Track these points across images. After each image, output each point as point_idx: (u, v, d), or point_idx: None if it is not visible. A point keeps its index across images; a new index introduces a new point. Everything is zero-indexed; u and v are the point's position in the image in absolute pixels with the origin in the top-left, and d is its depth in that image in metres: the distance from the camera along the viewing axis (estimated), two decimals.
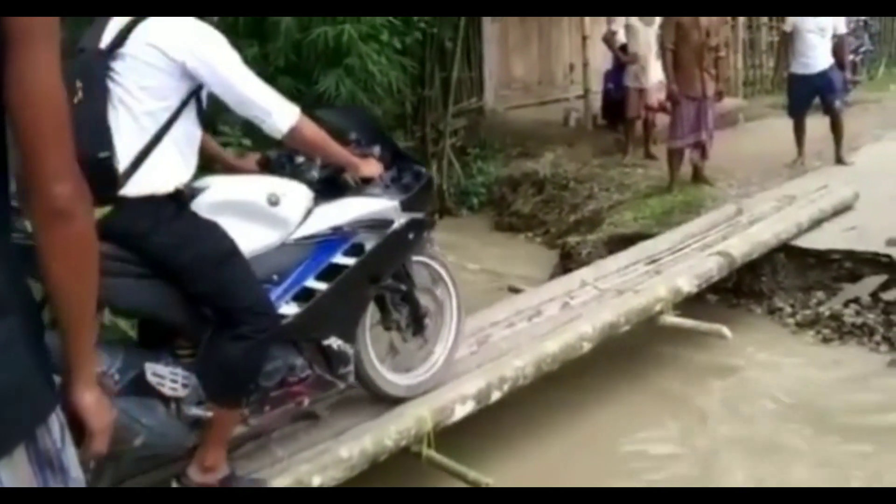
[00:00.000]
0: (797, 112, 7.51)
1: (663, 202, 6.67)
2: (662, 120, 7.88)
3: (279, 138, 2.54)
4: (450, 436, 3.31)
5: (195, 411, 2.48)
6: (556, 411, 3.97)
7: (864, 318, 4.75)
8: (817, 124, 7.50)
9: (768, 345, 4.76)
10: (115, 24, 2.39)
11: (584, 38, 9.87)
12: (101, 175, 2.21)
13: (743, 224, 5.50)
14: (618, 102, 8.73)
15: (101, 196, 2.14)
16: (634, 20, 8.02)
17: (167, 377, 2.44)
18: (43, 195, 1.22)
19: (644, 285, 4.48)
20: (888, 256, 4.95)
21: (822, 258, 5.23)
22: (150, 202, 2.39)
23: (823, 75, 7.23)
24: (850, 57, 10.43)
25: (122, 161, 2.33)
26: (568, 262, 6.10)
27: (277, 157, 2.93)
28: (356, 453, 2.93)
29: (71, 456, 1.37)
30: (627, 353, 4.48)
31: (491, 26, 10.17)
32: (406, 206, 2.99)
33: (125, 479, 2.62)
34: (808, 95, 7.39)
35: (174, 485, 2.57)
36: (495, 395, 3.45)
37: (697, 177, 7.18)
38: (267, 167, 2.91)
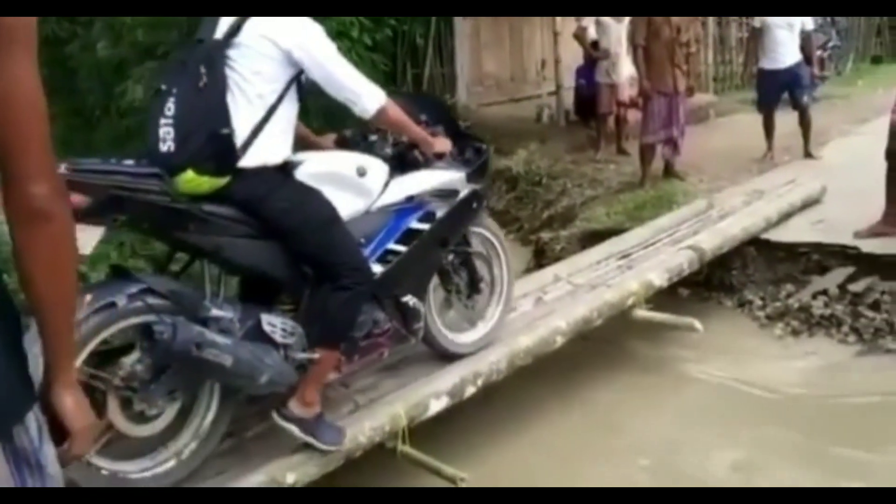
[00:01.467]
0: (766, 107, 7.61)
1: (635, 197, 6.72)
2: (635, 116, 7.95)
3: (368, 118, 2.87)
4: (426, 431, 3.32)
5: (300, 356, 2.83)
6: (531, 405, 4.00)
7: (832, 309, 4.82)
8: (786, 119, 7.60)
9: (739, 337, 4.82)
10: (228, 18, 2.73)
11: (556, 35, 9.93)
12: (223, 149, 2.61)
13: (713, 218, 5.56)
14: (590, 98, 8.78)
15: (223, 167, 2.61)
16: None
17: (279, 326, 2.78)
18: (21, 195, 1.23)
19: (616, 280, 4.52)
20: (855, 249, 5.03)
21: (791, 251, 5.30)
22: (264, 172, 2.72)
23: (792, 71, 7.32)
24: (818, 53, 10.59)
25: (240, 137, 2.65)
26: (541, 258, 6.14)
27: (352, 135, 3.27)
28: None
29: (49, 454, 1.37)
30: (602, 346, 4.52)
31: (463, 23, 10.18)
32: (470, 179, 3.37)
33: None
34: (776, 91, 7.48)
35: (274, 416, 2.85)
36: (469, 391, 3.45)
37: (669, 172, 7.25)
38: (343, 144, 3.23)
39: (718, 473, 3.50)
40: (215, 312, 2.64)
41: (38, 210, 1.24)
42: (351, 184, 2.98)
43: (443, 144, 3.21)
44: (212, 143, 2.58)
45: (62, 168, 2.28)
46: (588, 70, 8.85)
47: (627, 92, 8.15)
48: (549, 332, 3.86)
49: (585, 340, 4.21)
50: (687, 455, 3.67)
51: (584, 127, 9.22)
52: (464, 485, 3.10)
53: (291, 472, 2.81)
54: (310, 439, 2.83)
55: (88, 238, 2.37)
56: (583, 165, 7.96)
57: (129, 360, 2.52)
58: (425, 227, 3.21)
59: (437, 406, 3.32)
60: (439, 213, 3.26)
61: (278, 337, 2.77)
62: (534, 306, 4.33)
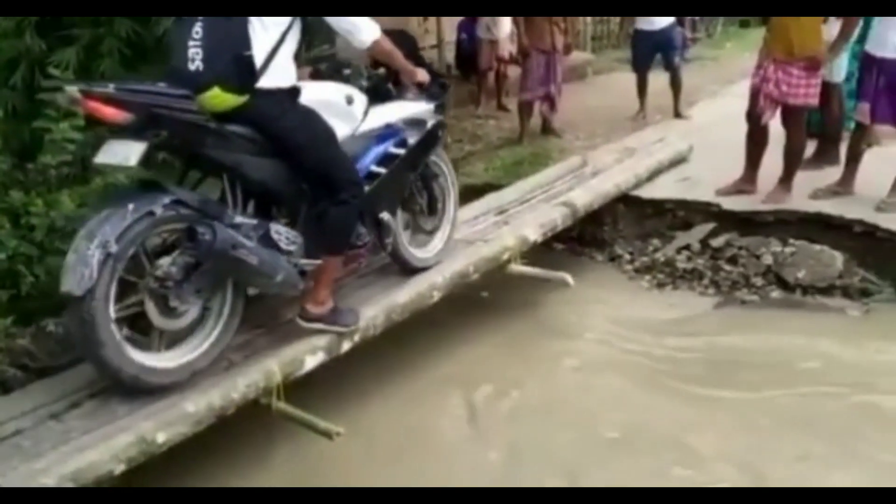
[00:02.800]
0: (640, 67, 7.84)
1: (514, 153, 6.83)
2: (515, 72, 8.02)
3: (364, 48, 3.28)
4: (303, 387, 3.32)
5: (302, 262, 3.26)
6: (409, 359, 4.05)
7: (694, 263, 5.09)
8: (659, 79, 7.86)
9: (609, 289, 5.02)
10: None
11: None
12: (245, 69, 2.94)
13: (587, 175, 5.71)
14: (471, 54, 8.80)
15: (244, 86, 2.94)
16: None
17: (283, 235, 3.18)
18: None
19: (493, 235, 4.59)
20: (716, 206, 5.30)
21: (658, 208, 5.53)
22: (277, 93, 3.05)
23: (665, 33, 7.56)
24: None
25: (257, 60, 2.96)
26: None
27: (326, 69, 3.60)
28: (202, 407, 2.89)
29: None
30: (477, 300, 4.62)
31: None
32: (436, 110, 3.86)
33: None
34: (650, 51, 7.71)
35: (298, 319, 3.34)
36: (346, 346, 3.47)
37: (546, 129, 7.39)
38: (317, 77, 3.56)
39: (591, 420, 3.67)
40: (238, 220, 3.04)
41: None
42: (340, 111, 3.38)
43: (423, 75, 3.67)
44: (236, 63, 2.92)
45: (110, 87, 2.70)
46: (469, 25, 8.86)
47: (508, 48, 8.21)
48: (425, 287, 3.90)
49: (462, 295, 4.28)
50: (555, 402, 3.82)
51: (464, 82, 9.24)
52: (339, 439, 3.13)
53: (162, 432, 2.76)
54: (334, 328, 3.36)
55: (132, 151, 2.71)
56: (463, 121, 8.00)
57: (165, 262, 2.87)
58: (400, 151, 3.66)
59: (312, 362, 3.32)
60: (411, 140, 3.71)
61: (283, 245, 3.17)
62: None
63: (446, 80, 4.06)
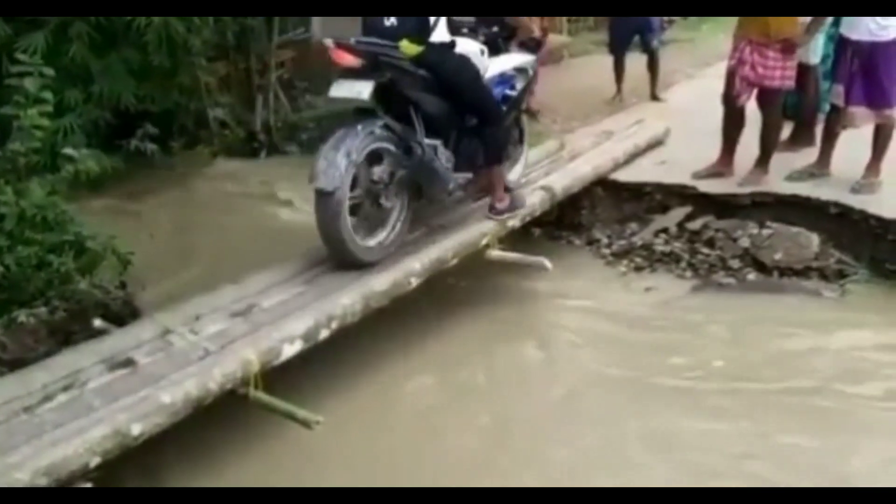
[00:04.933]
0: (617, 50, 7.81)
1: None
2: None
3: None
4: (283, 376, 3.29)
5: (457, 175, 4.23)
6: (389, 346, 4.03)
7: (671, 246, 5.10)
8: (635, 62, 7.84)
9: (587, 274, 5.01)
10: None
11: None
12: (424, 27, 3.90)
13: (564, 159, 5.69)
14: None
15: (422, 40, 3.85)
16: None
17: (443, 154, 4.12)
18: None
19: (470, 220, 4.55)
20: (693, 189, 5.30)
21: (636, 191, 5.53)
22: (441, 46, 3.98)
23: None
24: None
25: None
26: None
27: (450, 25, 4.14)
28: (179, 398, 2.85)
29: None
30: (459, 286, 4.60)
31: None
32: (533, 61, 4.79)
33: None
34: (627, 34, 7.68)
35: (490, 216, 4.44)
36: (323, 334, 3.44)
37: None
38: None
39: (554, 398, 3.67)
40: (427, 142, 3.97)
41: None
42: (477, 60, 4.19)
43: (537, 31, 4.83)
44: (419, 23, 3.87)
45: (352, 40, 3.82)
46: None
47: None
48: (403, 273, 3.87)
49: (441, 280, 4.26)
50: (538, 385, 3.82)
51: None
52: (318, 428, 3.10)
53: (137, 424, 2.72)
54: (517, 212, 4.49)
55: (364, 88, 3.75)
56: None
57: (378, 169, 3.91)
58: (513, 93, 4.58)
59: (290, 351, 3.28)
60: (518, 86, 4.63)
61: (444, 161, 4.10)
62: None
63: (537, 36, 4.87)
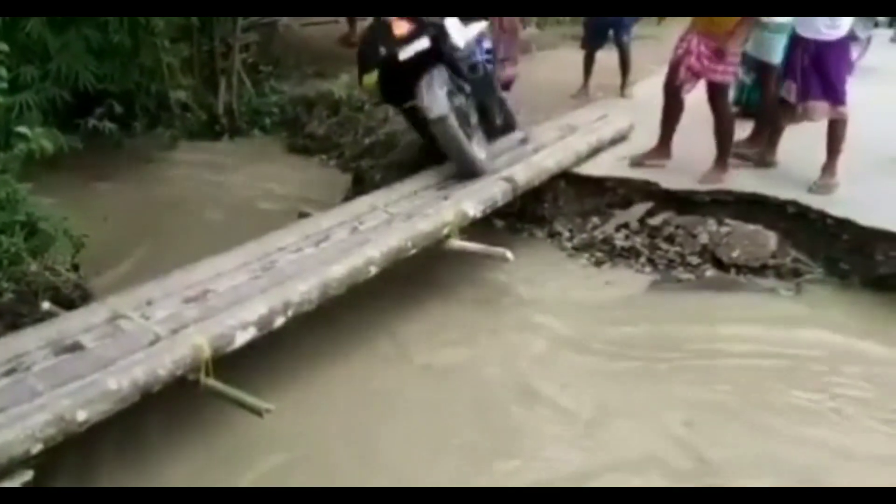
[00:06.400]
0: (591, 45, 7.80)
1: None
2: None
3: None
4: (237, 363, 3.24)
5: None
6: (344, 336, 4.00)
7: (632, 241, 5.11)
8: (603, 58, 7.84)
9: (547, 266, 5.01)
10: None
11: None
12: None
13: (528, 152, 5.67)
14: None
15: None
16: None
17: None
18: None
19: (432, 210, 4.54)
20: (655, 185, 5.32)
21: (599, 185, 5.52)
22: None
23: None
24: None
25: None
26: (360, 187, 6.06)
27: None
28: (126, 384, 2.80)
29: None
30: (416, 276, 4.57)
31: None
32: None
33: None
34: (602, 29, 7.68)
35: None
36: (279, 321, 3.40)
37: None
38: None
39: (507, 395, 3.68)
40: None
41: None
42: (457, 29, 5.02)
43: None
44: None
45: (406, 18, 4.78)
46: None
47: None
48: (362, 261, 3.84)
49: (400, 269, 4.23)
50: (489, 379, 3.82)
51: None
52: (268, 416, 3.06)
53: (82, 410, 2.66)
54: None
55: (423, 41, 4.76)
56: None
57: (457, 99, 4.91)
58: (489, 57, 5.46)
59: (243, 337, 3.24)
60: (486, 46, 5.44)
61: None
62: (349, 235, 4.28)
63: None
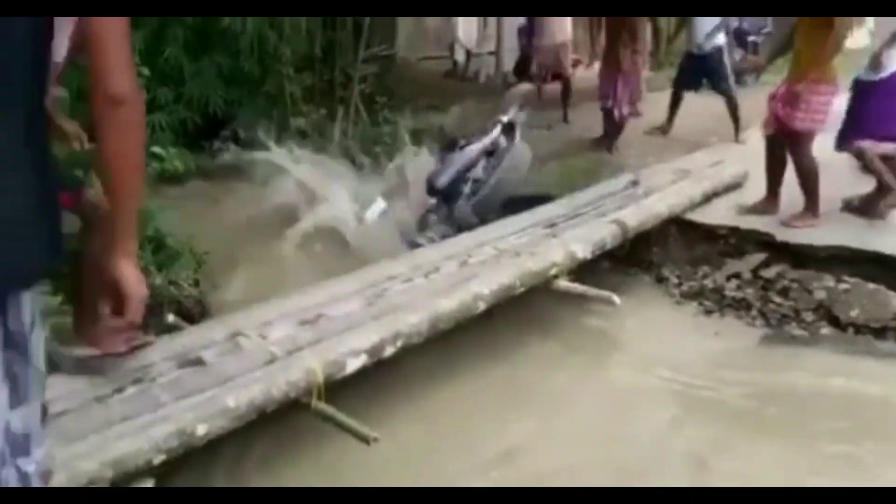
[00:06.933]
0: (677, 87, 7.83)
1: (565, 165, 6.77)
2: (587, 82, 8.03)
3: None
4: (345, 390, 3.32)
5: None
6: (448, 370, 4.03)
7: (743, 292, 4.98)
8: (715, 103, 7.74)
9: (654, 313, 4.93)
10: None
11: None
12: None
13: (638, 195, 5.63)
14: (530, 59, 8.77)
15: None
16: None
17: None
18: (102, 84, 1.49)
19: (540, 248, 4.55)
20: (769, 235, 5.19)
21: (711, 233, 5.44)
22: None
23: (710, 57, 7.48)
24: (752, 38, 10.77)
25: None
26: None
27: None
28: (244, 403, 2.90)
29: (38, 343, 1.53)
30: (521, 314, 4.58)
31: None
32: None
33: None
34: (695, 75, 7.67)
35: None
36: (388, 351, 3.46)
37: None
38: None
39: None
40: None
41: (115, 95, 1.49)
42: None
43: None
44: None
45: None
46: (530, 30, 8.82)
47: (565, 56, 8.17)
48: (471, 297, 3.87)
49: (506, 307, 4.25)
50: (590, 426, 3.77)
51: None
52: (375, 444, 3.11)
53: (203, 424, 2.77)
54: None
55: None
56: None
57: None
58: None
59: (354, 364, 3.31)
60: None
61: None
62: (458, 268, 4.33)
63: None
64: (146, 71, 4.63)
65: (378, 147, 7.95)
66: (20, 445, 1.52)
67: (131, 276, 1.67)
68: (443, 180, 5.77)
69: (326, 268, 4.94)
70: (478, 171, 5.97)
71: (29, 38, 1.43)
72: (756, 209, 5.46)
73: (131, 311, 1.68)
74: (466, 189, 5.84)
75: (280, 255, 5.57)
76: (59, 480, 2.32)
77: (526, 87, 7.25)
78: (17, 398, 1.49)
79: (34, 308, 1.51)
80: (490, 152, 6.09)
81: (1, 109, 1.41)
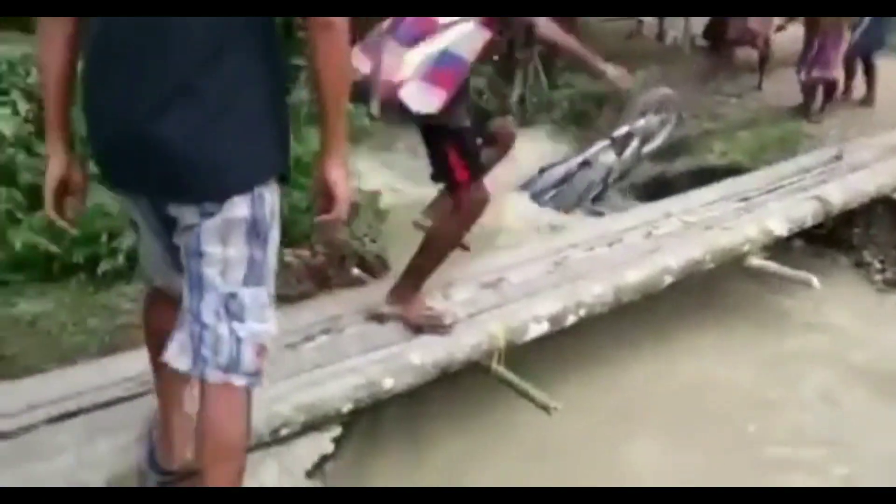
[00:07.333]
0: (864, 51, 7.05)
1: (758, 136, 6.35)
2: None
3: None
4: (523, 356, 3.26)
5: None
6: (629, 341, 3.89)
7: None
8: None
9: (853, 300, 4.56)
10: None
11: None
12: None
13: (843, 170, 5.20)
14: (720, 22, 8.28)
15: None
16: None
17: None
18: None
19: (732, 223, 4.29)
20: None
21: None
22: None
23: None
24: None
25: None
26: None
27: None
28: (428, 361, 2.91)
29: (275, 237, 1.85)
30: (706, 287, 4.34)
31: None
32: None
33: None
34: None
35: None
36: (570, 320, 3.37)
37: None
38: None
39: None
40: None
41: (324, 21, 1.72)
42: None
43: None
44: None
45: None
46: None
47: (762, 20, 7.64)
48: (658, 270, 3.71)
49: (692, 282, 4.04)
50: (776, 410, 3.54)
51: (712, 54, 8.73)
52: (555, 413, 3.05)
53: (390, 378, 2.80)
54: None
55: None
56: (704, 96, 7.55)
57: None
58: None
59: (536, 330, 3.25)
60: None
61: None
62: (643, 239, 4.16)
63: None
64: None
65: (557, 112, 7.81)
66: (237, 313, 1.80)
67: (341, 178, 1.84)
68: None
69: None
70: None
71: None
72: None
73: (339, 210, 1.85)
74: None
75: None
76: (255, 420, 2.41)
77: (665, 91, 6.74)
78: (251, 278, 1.80)
79: (274, 204, 1.81)
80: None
81: (240, 36, 1.71)
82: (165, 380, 2.17)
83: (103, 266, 3.52)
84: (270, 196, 1.80)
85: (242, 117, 1.73)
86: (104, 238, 3.53)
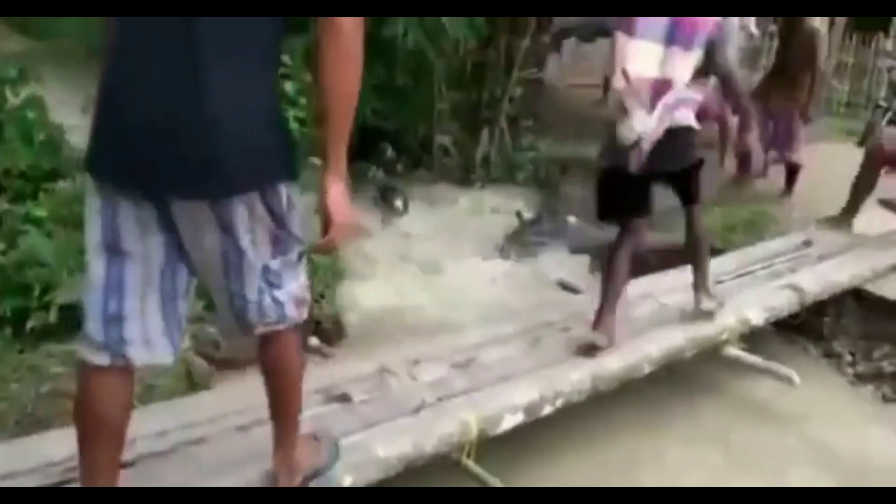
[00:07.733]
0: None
1: (726, 215, 6.25)
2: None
3: None
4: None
5: None
6: (599, 430, 3.65)
7: None
8: None
9: (824, 393, 4.40)
10: None
11: None
12: None
13: (812, 258, 5.11)
14: None
15: None
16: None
17: None
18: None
19: None
20: None
21: (893, 308, 4.86)
22: None
23: None
24: None
25: None
26: None
27: None
28: (393, 455, 2.62)
29: (294, 218, 1.91)
30: (682, 378, 4.14)
31: None
32: None
33: None
34: None
35: None
36: (546, 410, 3.13)
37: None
38: None
39: None
40: None
41: (335, 22, 1.68)
42: None
43: None
44: None
45: None
46: None
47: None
48: (638, 358, 3.50)
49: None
50: None
51: None
52: None
53: (349, 474, 2.50)
54: None
55: None
56: None
57: None
58: None
59: (510, 422, 3.00)
60: None
61: None
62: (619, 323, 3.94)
63: None
64: (308, 78, 4.47)
65: (520, 174, 7.66)
66: (274, 282, 1.93)
67: (337, 199, 1.83)
68: None
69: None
70: None
71: None
72: None
73: (333, 232, 1.86)
74: None
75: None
76: None
77: None
78: (276, 251, 1.90)
79: (290, 196, 1.86)
80: None
81: (244, 45, 1.71)
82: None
83: (32, 321, 3.17)
84: (285, 191, 1.86)
85: (265, 111, 1.78)
86: (36, 291, 3.18)
